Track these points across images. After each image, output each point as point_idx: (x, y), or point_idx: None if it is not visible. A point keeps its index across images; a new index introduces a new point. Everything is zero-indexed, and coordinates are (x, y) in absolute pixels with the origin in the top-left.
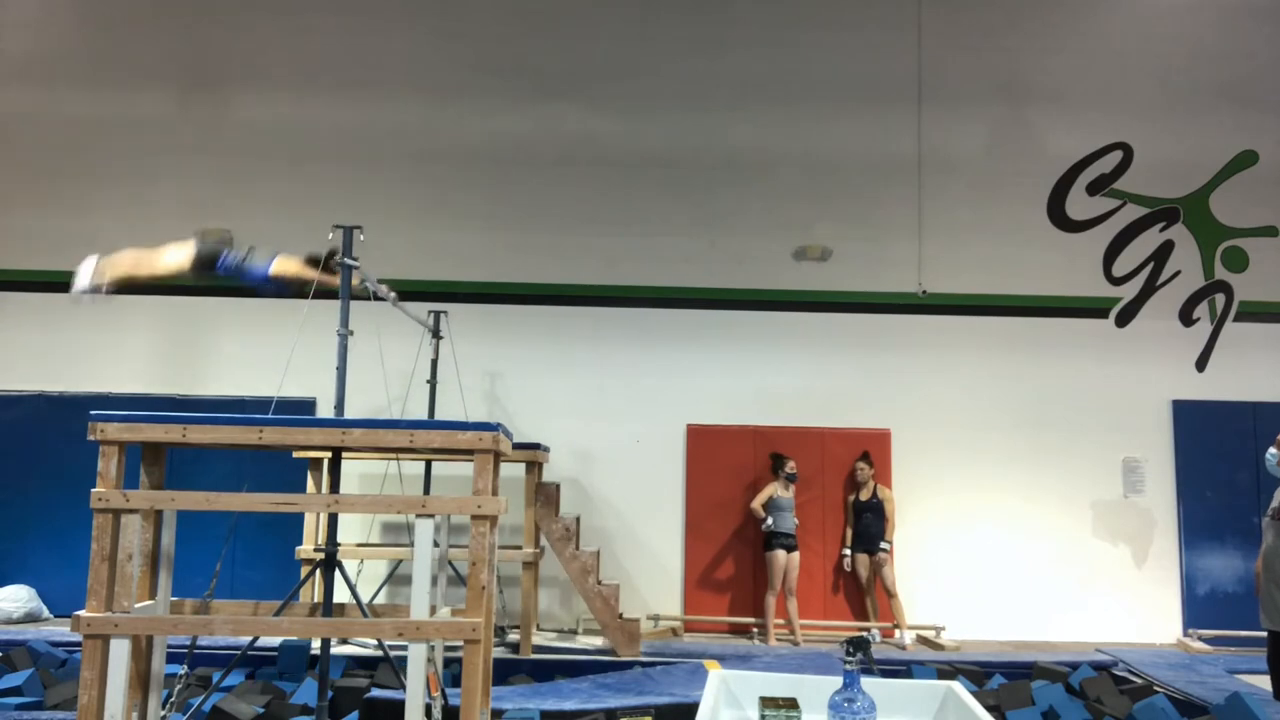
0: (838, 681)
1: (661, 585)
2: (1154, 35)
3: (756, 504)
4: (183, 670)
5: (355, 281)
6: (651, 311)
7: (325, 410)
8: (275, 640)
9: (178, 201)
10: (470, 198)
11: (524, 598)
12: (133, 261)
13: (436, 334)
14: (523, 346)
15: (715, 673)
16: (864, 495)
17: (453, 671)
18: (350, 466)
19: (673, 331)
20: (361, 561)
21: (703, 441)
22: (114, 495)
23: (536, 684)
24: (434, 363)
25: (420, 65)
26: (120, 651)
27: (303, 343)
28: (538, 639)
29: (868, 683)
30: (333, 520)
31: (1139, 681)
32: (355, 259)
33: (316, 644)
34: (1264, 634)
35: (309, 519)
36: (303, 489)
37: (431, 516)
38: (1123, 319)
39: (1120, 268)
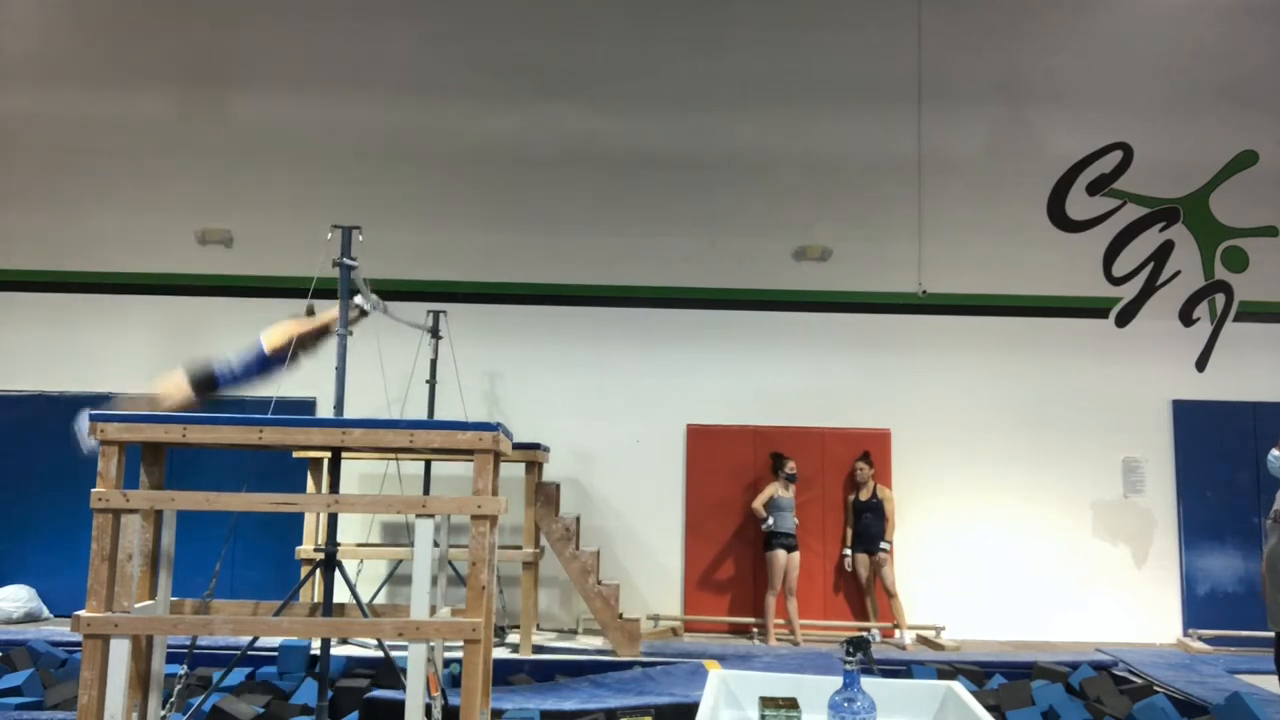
0: (838, 681)
1: (661, 585)
2: (1154, 35)
3: (757, 504)
4: (183, 670)
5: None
6: (651, 311)
7: (325, 410)
8: (275, 640)
9: (178, 201)
10: (470, 197)
11: (524, 598)
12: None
13: (436, 334)
14: (522, 346)
15: (715, 673)
16: (864, 495)
17: (453, 671)
18: (350, 466)
19: (673, 331)
20: (361, 561)
21: (703, 441)
22: (114, 495)
23: (536, 684)
24: (433, 363)
25: (420, 65)
26: (120, 651)
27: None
28: (538, 639)
29: (868, 683)
30: (332, 520)
31: (1139, 681)
32: (354, 259)
33: (316, 644)
34: (1264, 634)
35: (309, 519)
36: (303, 489)
37: (431, 516)
38: (1123, 319)
39: (1120, 268)
